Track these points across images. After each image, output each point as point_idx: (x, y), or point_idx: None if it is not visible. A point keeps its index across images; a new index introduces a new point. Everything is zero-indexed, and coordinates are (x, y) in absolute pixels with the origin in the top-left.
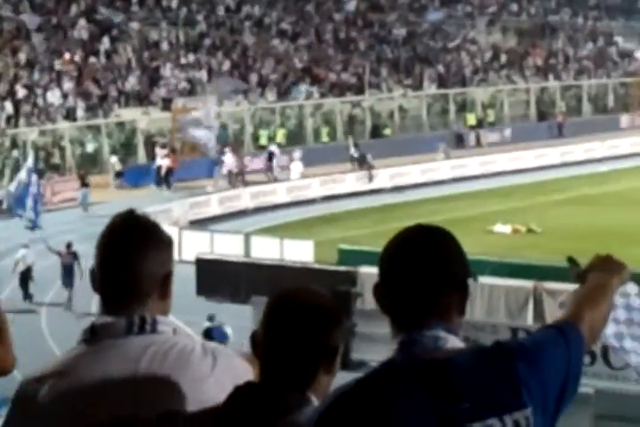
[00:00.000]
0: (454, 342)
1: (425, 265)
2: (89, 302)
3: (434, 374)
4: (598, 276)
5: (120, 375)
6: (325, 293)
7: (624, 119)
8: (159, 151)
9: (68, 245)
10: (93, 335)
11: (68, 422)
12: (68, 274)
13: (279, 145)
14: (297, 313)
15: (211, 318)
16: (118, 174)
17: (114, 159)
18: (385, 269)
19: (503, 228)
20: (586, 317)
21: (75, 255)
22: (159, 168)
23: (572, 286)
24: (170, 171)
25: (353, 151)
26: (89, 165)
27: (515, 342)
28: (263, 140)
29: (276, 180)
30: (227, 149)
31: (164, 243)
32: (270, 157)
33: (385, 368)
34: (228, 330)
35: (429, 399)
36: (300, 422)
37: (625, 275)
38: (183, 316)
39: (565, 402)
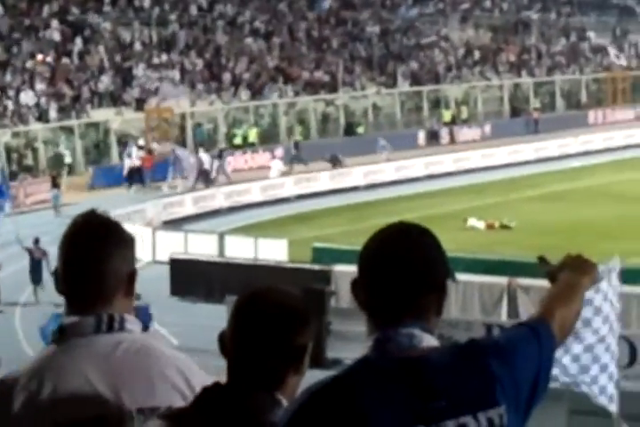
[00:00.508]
0: (429, 341)
1: (405, 264)
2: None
3: (408, 372)
4: (570, 275)
5: (92, 373)
6: (294, 292)
7: (597, 115)
8: (135, 152)
9: (36, 241)
10: (62, 335)
11: (44, 421)
12: (36, 270)
13: (252, 144)
14: (264, 313)
15: (137, 297)
16: (69, 167)
17: (65, 152)
18: (364, 266)
19: (477, 223)
20: (557, 314)
21: (44, 252)
22: (135, 168)
23: (546, 283)
24: (144, 170)
25: (293, 151)
26: (62, 166)
27: (488, 340)
28: (238, 140)
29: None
30: (201, 149)
31: (127, 241)
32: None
33: (359, 366)
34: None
35: (404, 397)
36: (270, 422)
37: (595, 275)
38: (157, 316)
39: (537, 399)
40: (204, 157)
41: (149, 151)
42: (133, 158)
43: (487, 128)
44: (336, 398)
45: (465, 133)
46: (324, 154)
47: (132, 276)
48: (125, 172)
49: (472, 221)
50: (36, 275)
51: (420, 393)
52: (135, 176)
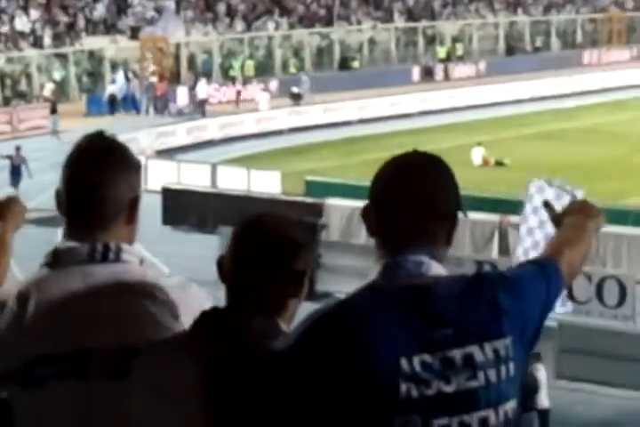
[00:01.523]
0: (437, 269)
1: (415, 190)
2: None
3: (416, 299)
4: (575, 219)
5: (81, 303)
6: (292, 219)
7: (592, 54)
8: (120, 80)
9: (17, 148)
10: (55, 260)
11: (24, 347)
12: (15, 174)
13: (248, 77)
14: (265, 238)
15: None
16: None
17: (49, 85)
18: (375, 192)
19: (477, 153)
20: (565, 254)
21: (23, 159)
22: (114, 96)
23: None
24: (160, 97)
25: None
26: (56, 93)
27: (497, 274)
28: (234, 72)
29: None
30: (203, 80)
31: (133, 166)
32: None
33: (366, 292)
34: None
35: (410, 324)
36: (271, 347)
37: (601, 220)
38: (149, 246)
39: (540, 334)
40: (204, 87)
41: (160, 78)
42: (117, 85)
43: (482, 65)
44: (341, 324)
45: (460, 70)
46: (318, 87)
47: (134, 202)
48: (105, 98)
49: (477, 151)
50: (14, 178)
51: (426, 321)
52: (118, 103)
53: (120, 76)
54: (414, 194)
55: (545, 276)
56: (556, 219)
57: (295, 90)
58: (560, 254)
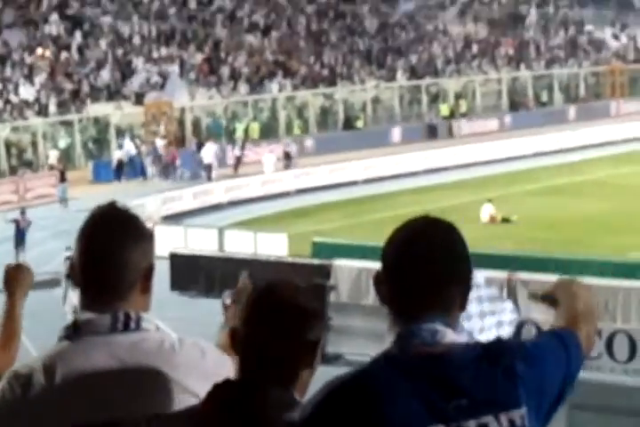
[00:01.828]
0: (452, 336)
1: (431, 260)
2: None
3: (430, 368)
4: (569, 304)
5: (108, 373)
6: (304, 287)
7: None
8: (159, 142)
9: (22, 212)
10: (76, 332)
11: (55, 419)
12: (21, 238)
13: (253, 139)
14: (278, 308)
15: (68, 248)
16: (51, 167)
17: (53, 153)
18: (388, 261)
19: (486, 209)
20: (582, 327)
21: (28, 222)
22: (160, 159)
23: (545, 277)
24: (169, 162)
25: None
26: (62, 160)
27: (515, 342)
28: (239, 133)
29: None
30: (210, 142)
31: (146, 235)
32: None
33: (380, 361)
34: None
35: (425, 395)
36: (285, 417)
37: (587, 291)
38: (157, 311)
39: (560, 405)
40: (212, 149)
41: (170, 142)
42: (124, 150)
43: (487, 122)
44: (355, 396)
45: (464, 127)
46: (323, 148)
47: (149, 271)
48: (114, 164)
49: (487, 208)
50: (19, 241)
51: (440, 391)
52: (125, 169)
53: (127, 141)
54: (430, 262)
55: (565, 347)
56: (553, 300)
57: (237, 153)
58: (579, 327)
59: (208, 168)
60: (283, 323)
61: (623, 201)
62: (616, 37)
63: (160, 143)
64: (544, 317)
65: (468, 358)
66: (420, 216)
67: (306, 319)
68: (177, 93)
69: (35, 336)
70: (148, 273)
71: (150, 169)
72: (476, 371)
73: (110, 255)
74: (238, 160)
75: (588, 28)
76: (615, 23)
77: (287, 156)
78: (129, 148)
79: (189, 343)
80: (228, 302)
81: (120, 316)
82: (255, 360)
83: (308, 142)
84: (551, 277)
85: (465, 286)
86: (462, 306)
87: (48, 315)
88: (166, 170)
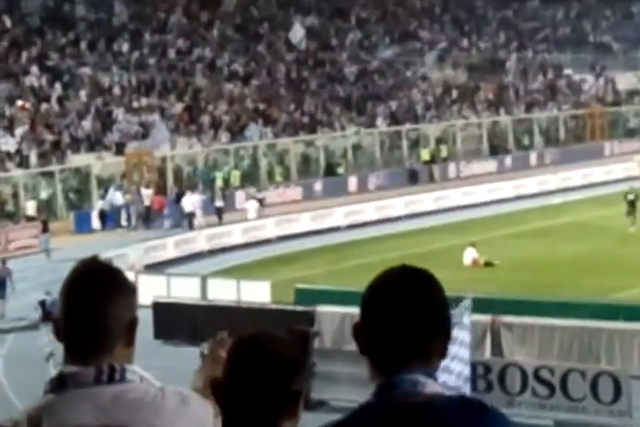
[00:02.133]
0: (433, 387)
1: (410, 310)
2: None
3: (411, 418)
4: None
5: (93, 426)
6: (287, 336)
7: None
8: (144, 191)
9: (3, 262)
10: (61, 385)
11: None
12: (1, 286)
13: (234, 187)
14: (259, 359)
15: (47, 293)
16: (29, 218)
17: (30, 203)
18: (367, 311)
19: (469, 253)
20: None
21: (8, 270)
22: (146, 208)
23: (529, 320)
24: (152, 211)
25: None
26: (40, 211)
27: (497, 410)
28: (219, 182)
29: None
30: (193, 191)
31: (129, 289)
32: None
33: (361, 412)
34: None
35: None
36: None
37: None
38: (141, 360)
39: None
40: (193, 199)
41: (157, 192)
42: (106, 200)
43: (466, 166)
44: None
45: (444, 172)
46: (306, 195)
47: (132, 324)
48: (96, 214)
49: (470, 252)
50: (0, 290)
51: None
52: (109, 218)
53: (112, 191)
54: (408, 314)
55: None
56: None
57: (218, 204)
58: None
59: (189, 217)
60: (265, 374)
61: (605, 243)
62: (594, 80)
63: (145, 192)
64: (527, 359)
65: (448, 408)
66: (397, 266)
67: (288, 370)
68: (163, 141)
69: (14, 379)
70: (132, 326)
71: (134, 218)
72: (457, 421)
73: (93, 311)
74: (220, 211)
75: (567, 71)
76: (593, 66)
77: (260, 202)
78: (115, 197)
79: (171, 391)
80: (206, 352)
81: (105, 368)
82: (237, 412)
83: (292, 190)
84: (535, 321)
85: (444, 334)
86: (442, 354)
87: (27, 360)
88: (150, 219)
